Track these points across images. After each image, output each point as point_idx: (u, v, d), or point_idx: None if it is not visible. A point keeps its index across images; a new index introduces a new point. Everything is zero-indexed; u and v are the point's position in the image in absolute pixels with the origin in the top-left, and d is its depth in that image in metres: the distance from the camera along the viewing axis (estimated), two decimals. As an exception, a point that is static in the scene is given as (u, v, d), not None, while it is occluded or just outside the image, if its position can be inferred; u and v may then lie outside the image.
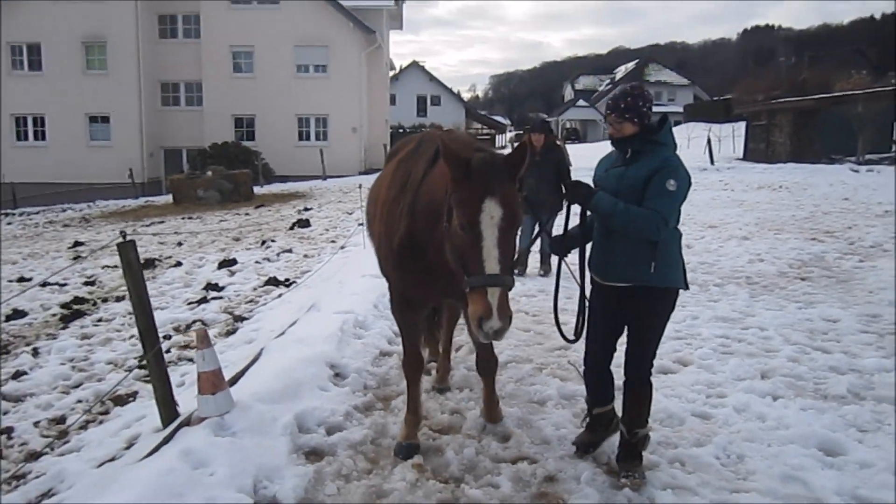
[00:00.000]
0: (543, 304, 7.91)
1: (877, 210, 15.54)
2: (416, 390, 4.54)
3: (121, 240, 4.50)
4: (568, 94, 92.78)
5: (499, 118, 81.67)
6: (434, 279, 3.94)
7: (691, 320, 7.14)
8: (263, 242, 13.87)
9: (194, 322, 8.23)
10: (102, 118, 34.86)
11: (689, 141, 41.99)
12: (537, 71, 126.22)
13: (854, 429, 4.59)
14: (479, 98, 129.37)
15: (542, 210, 7.65)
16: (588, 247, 4.08)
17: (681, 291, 3.90)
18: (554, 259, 5.65)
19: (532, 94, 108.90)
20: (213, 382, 4.33)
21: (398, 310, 4.51)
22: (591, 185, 3.91)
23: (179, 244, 14.46)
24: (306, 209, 19.41)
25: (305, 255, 12.26)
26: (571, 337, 4.12)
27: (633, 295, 3.80)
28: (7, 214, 26.55)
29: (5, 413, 5.93)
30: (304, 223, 16.15)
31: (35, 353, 7.51)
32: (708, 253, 11.00)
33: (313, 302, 7.47)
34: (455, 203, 3.30)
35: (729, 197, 18.92)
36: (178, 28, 35.88)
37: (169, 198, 26.62)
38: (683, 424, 4.72)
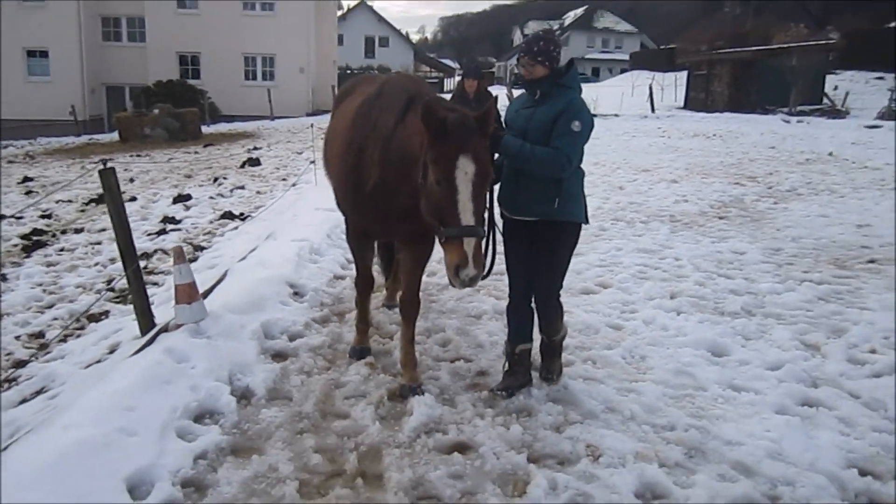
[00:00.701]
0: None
1: (798, 158, 16.60)
2: (366, 303, 5.06)
3: (102, 167, 4.97)
4: (517, 38, 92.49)
5: (447, 61, 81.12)
6: (392, 221, 4.23)
7: (615, 251, 7.92)
8: (216, 179, 14.21)
9: (156, 251, 8.70)
10: (41, 52, 33.80)
11: (634, 89, 42.90)
12: (487, 14, 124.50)
13: (740, 336, 5.44)
14: (427, 40, 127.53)
15: None
16: (496, 186, 4.24)
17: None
18: None
19: (481, 37, 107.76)
20: (188, 293, 4.90)
21: (354, 239, 4.88)
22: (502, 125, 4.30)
23: (131, 180, 14.65)
24: (256, 148, 19.63)
25: (258, 192, 12.70)
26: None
27: (540, 228, 4.14)
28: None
29: (-16, 330, 6.39)
30: (254, 162, 16.45)
31: (3, 278, 7.89)
32: (638, 194, 11.82)
33: (270, 232, 8.02)
34: (431, 160, 3.49)
35: (665, 143, 19.81)
36: (119, -40, 34.87)
37: (113, 136, 26.43)
38: (598, 333, 5.51)
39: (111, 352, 5.25)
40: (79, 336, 6.07)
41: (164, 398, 3.92)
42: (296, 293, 6.08)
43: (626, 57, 68.37)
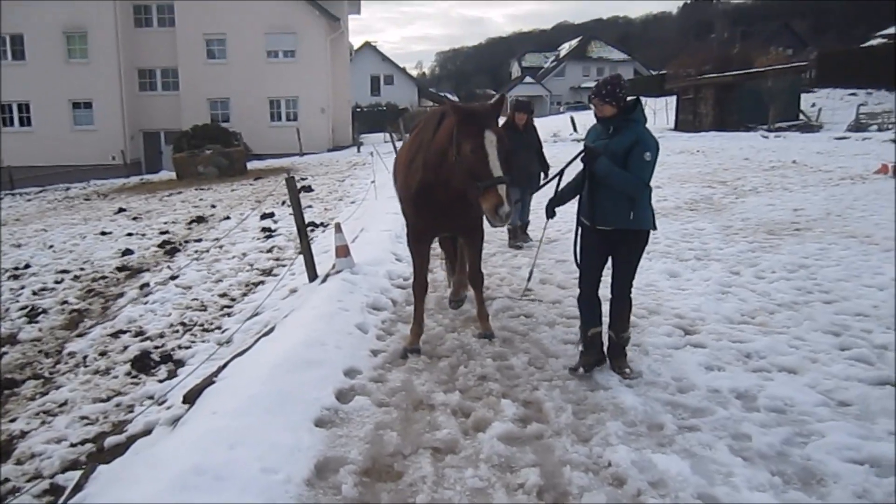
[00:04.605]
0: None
1: (766, 166, 19.64)
2: (421, 307, 6.15)
3: (286, 176, 8.06)
4: (515, 70, 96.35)
5: (448, 95, 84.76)
6: (440, 216, 5.62)
7: (610, 231, 10.98)
8: (283, 202, 17.26)
9: (272, 248, 11.74)
10: (85, 104, 37.41)
11: (627, 114, 45.98)
12: (483, 47, 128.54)
13: (689, 269, 8.46)
14: (426, 75, 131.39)
15: (533, 180, 9.03)
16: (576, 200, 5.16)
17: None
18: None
19: (479, 70, 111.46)
20: (344, 251, 7.95)
21: (412, 240, 6.11)
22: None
23: (213, 206, 17.77)
24: (302, 179, 22.74)
25: (325, 209, 15.80)
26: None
27: (617, 236, 4.93)
28: (10, 195, 29.05)
29: (183, 294, 9.42)
30: (307, 189, 19.50)
31: (169, 268, 10.94)
32: (629, 197, 14.84)
33: (361, 227, 11.08)
34: (463, 137, 4.69)
35: (653, 159, 22.83)
36: (153, 17, 38.51)
37: (162, 175, 29.68)
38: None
39: (292, 292, 8.28)
40: (254, 292, 9.11)
41: (353, 297, 6.96)
42: (396, 259, 9.12)
43: (620, 84, 71.67)
